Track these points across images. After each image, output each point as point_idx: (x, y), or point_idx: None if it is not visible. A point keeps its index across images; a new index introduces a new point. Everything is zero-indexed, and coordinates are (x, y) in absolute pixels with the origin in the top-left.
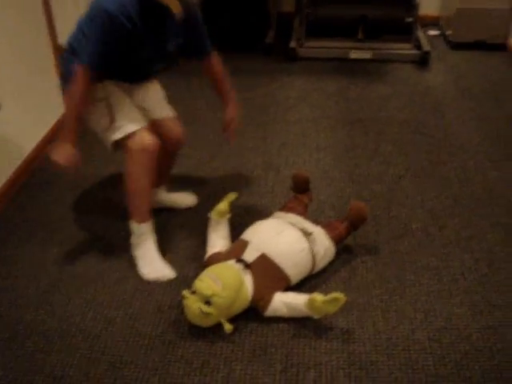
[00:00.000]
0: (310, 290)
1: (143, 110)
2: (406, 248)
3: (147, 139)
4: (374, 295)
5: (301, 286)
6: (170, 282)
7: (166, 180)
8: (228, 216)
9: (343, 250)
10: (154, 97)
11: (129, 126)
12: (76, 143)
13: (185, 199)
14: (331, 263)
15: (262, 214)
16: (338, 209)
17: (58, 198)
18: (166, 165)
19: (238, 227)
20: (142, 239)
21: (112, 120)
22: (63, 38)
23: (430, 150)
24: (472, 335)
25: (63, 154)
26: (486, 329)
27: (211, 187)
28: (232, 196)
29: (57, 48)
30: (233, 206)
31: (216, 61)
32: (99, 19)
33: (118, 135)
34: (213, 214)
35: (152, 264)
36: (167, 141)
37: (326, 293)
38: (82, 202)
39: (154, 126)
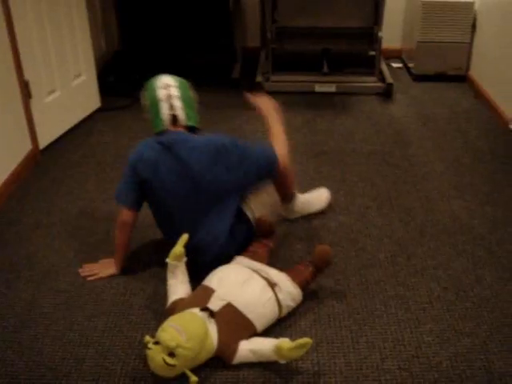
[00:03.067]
0: (278, 325)
1: None
2: (374, 278)
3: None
4: (344, 326)
5: (270, 325)
6: (140, 319)
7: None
8: (185, 259)
9: (316, 287)
10: None
11: None
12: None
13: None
14: (305, 301)
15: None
16: (306, 240)
17: (23, 237)
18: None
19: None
20: None
21: None
22: (29, 75)
23: (396, 180)
24: (442, 363)
25: (103, 270)
26: (455, 356)
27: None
28: (185, 237)
29: (23, 84)
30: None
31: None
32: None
33: None
34: (169, 259)
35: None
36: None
37: (293, 328)
38: (47, 241)
39: None
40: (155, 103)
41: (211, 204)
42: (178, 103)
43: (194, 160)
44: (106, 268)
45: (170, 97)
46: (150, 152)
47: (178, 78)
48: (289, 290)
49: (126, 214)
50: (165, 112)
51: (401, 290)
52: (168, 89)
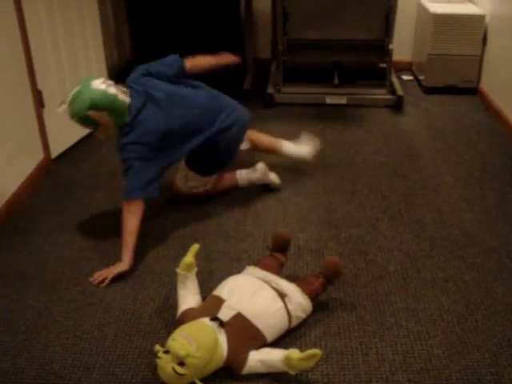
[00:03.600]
0: (288, 336)
1: None
2: (384, 290)
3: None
4: (354, 338)
5: (280, 336)
6: (150, 328)
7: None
8: (195, 269)
9: (327, 298)
10: None
11: None
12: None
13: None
14: (315, 312)
15: (241, 258)
16: (316, 253)
17: (35, 245)
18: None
19: (216, 272)
20: None
21: None
22: (42, 85)
23: (406, 192)
24: (451, 376)
25: (112, 270)
26: (465, 369)
27: (190, 232)
28: (195, 247)
29: (36, 94)
30: (211, 251)
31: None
32: None
33: None
34: (180, 269)
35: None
36: None
37: (303, 339)
38: (58, 248)
39: None
40: (113, 101)
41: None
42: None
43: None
44: (114, 268)
45: (113, 86)
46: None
47: (84, 80)
48: (299, 300)
49: (139, 204)
50: (125, 100)
51: (411, 302)
52: (107, 83)
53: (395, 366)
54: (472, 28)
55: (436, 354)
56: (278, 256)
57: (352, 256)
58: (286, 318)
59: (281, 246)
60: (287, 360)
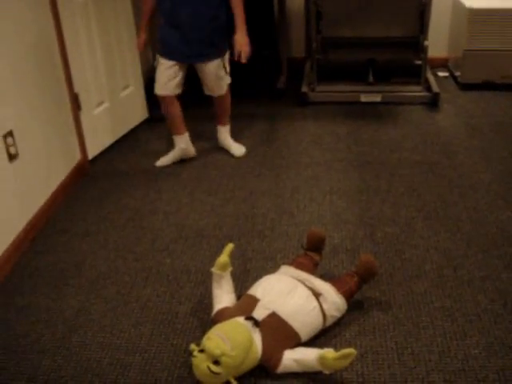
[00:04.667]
0: (322, 335)
1: None
2: (419, 289)
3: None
4: (389, 338)
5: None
6: (185, 327)
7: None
8: (230, 269)
9: (362, 297)
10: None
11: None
12: (146, 31)
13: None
14: (350, 311)
15: (276, 257)
16: (351, 252)
17: (72, 245)
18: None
19: (251, 271)
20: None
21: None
22: (78, 88)
23: (442, 190)
24: (488, 377)
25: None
26: (502, 370)
27: (225, 232)
28: (230, 247)
29: (73, 97)
30: (246, 251)
31: None
32: None
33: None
34: (215, 269)
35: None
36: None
37: (338, 339)
38: (96, 248)
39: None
40: None
41: None
42: None
43: None
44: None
45: None
46: None
47: None
48: (333, 299)
49: None
50: None
51: (447, 301)
52: None
53: (431, 366)
54: (509, 22)
55: (473, 354)
56: (312, 255)
57: (387, 255)
58: (320, 318)
59: (315, 245)
60: (322, 359)
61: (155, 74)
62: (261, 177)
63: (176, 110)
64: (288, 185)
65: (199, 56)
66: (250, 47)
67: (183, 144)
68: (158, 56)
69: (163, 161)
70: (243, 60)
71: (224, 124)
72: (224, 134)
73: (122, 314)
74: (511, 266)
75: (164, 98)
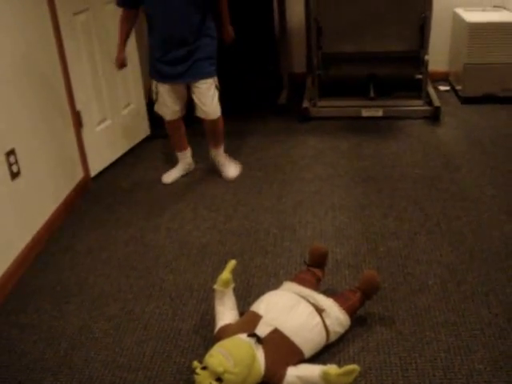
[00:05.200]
0: (326, 351)
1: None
2: (423, 304)
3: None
4: (393, 353)
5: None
6: (188, 344)
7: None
8: (232, 285)
9: (364, 313)
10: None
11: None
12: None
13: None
14: (353, 327)
15: (279, 273)
16: (354, 267)
17: (75, 262)
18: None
19: (254, 287)
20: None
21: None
22: (80, 105)
23: (445, 204)
24: None
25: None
26: None
27: (228, 248)
28: (232, 263)
29: (75, 114)
30: (249, 267)
31: None
32: None
33: None
34: (217, 285)
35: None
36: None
37: (341, 355)
38: (99, 265)
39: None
40: None
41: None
42: None
43: None
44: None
45: None
46: None
47: None
48: (336, 315)
49: (126, 12)
50: None
51: (451, 316)
52: None
53: (435, 381)
54: (509, 36)
55: (477, 369)
56: (315, 271)
57: (390, 270)
58: (323, 334)
59: (318, 261)
60: (325, 375)
61: (153, 97)
62: (263, 192)
63: (182, 131)
64: (290, 200)
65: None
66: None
67: (188, 159)
68: (155, 82)
69: (170, 176)
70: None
71: (218, 147)
72: (218, 157)
73: (124, 331)
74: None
75: (172, 121)
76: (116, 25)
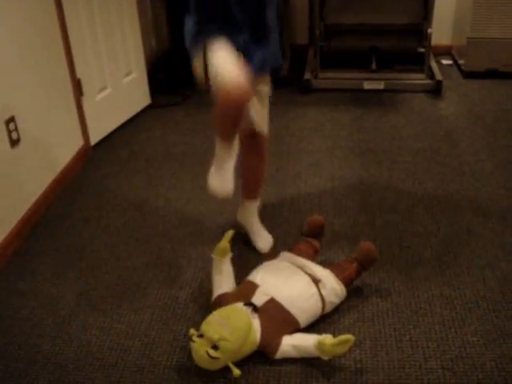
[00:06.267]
0: (321, 321)
1: None
2: (419, 277)
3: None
4: (387, 325)
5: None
6: (185, 312)
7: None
8: (230, 255)
9: (361, 284)
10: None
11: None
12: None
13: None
14: (349, 298)
15: (276, 244)
16: (352, 239)
17: (74, 230)
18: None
19: (252, 257)
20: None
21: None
22: (81, 73)
23: (444, 178)
24: (486, 364)
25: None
26: (500, 357)
27: (226, 218)
28: (230, 233)
29: (75, 82)
30: (246, 237)
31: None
32: None
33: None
34: (214, 254)
35: (262, 236)
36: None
37: (337, 325)
38: (97, 234)
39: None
40: None
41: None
42: None
43: None
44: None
45: None
46: None
47: None
48: (332, 286)
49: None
50: None
51: (446, 289)
52: None
53: (429, 353)
54: None
55: (471, 342)
56: (312, 242)
57: (387, 242)
58: (319, 304)
59: (315, 232)
60: (320, 345)
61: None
62: None
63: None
64: (289, 171)
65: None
66: None
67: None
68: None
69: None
70: None
71: (257, 196)
72: (251, 218)
73: (122, 299)
74: (511, 255)
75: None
76: None
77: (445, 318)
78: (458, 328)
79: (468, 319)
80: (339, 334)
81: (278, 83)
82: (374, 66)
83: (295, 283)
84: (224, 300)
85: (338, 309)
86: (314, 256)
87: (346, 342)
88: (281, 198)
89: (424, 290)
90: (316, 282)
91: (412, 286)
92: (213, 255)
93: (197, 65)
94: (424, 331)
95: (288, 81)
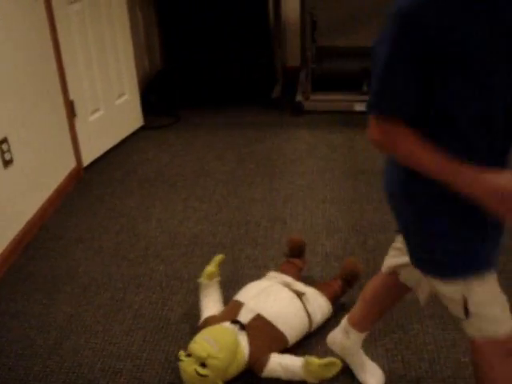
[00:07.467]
0: (309, 341)
1: None
2: (410, 297)
3: None
4: (380, 345)
5: (301, 341)
6: (177, 334)
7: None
8: (218, 279)
9: (347, 301)
10: None
11: None
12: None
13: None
14: (335, 315)
15: (268, 265)
16: (343, 259)
17: (66, 251)
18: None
19: (243, 278)
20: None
21: None
22: (74, 95)
23: None
24: None
25: None
26: None
27: (218, 239)
28: (219, 258)
29: (68, 104)
30: (239, 258)
31: None
32: (388, 32)
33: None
34: (202, 278)
35: (371, 371)
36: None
37: (325, 343)
38: (89, 255)
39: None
40: None
41: None
42: None
43: None
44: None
45: None
46: None
47: None
48: (318, 302)
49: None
50: None
51: (438, 309)
52: None
53: (421, 373)
54: None
55: (463, 362)
56: (295, 261)
57: (379, 262)
58: (305, 319)
59: (296, 252)
60: (307, 365)
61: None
62: (254, 185)
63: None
64: (281, 193)
65: None
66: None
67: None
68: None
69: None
70: None
71: (369, 329)
72: (356, 343)
73: (114, 320)
74: (502, 274)
75: None
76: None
77: (437, 339)
78: (451, 348)
79: (459, 339)
80: (328, 355)
81: (270, 105)
82: (365, 87)
83: (280, 299)
84: (211, 322)
85: (326, 328)
86: (297, 275)
87: (333, 364)
88: (273, 218)
89: (416, 310)
90: (300, 295)
91: (403, 306)
92: (200, 280)
93: (450, 296)
94: (416, 352)
95: (280, 103)
